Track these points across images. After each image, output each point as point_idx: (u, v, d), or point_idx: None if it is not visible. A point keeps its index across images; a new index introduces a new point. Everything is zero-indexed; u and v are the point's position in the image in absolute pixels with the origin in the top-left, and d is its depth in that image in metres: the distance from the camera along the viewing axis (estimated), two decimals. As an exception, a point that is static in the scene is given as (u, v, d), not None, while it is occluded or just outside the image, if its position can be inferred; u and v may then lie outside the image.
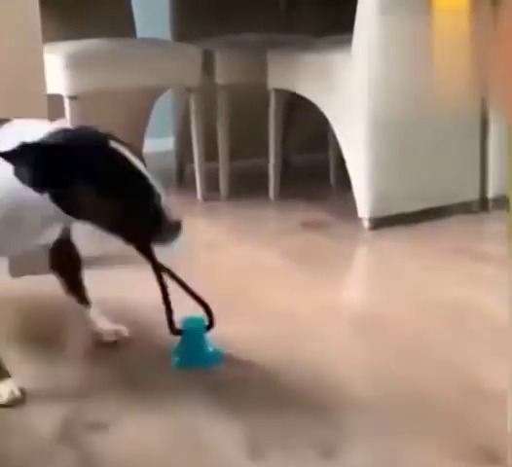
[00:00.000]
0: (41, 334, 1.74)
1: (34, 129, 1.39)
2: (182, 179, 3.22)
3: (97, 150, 1.36)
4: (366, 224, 2.47)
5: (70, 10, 2.87)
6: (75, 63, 2.53)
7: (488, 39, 2.39)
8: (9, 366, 1.46)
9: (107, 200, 1.33)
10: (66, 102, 2.55)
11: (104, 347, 1.64)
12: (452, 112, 2.46)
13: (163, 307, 1.51)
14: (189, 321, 1.58)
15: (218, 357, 1.57)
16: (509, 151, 2.09)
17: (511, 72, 1.69)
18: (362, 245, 2.41)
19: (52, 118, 2.01)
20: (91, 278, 1.69)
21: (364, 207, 2.46)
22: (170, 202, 1.38)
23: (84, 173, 1.33)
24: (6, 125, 1.46)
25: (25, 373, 1.52)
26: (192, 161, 2.90)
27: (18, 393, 1.42)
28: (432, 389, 1.44)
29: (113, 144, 1.37)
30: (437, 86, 2.43)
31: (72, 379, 1.53)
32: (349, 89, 2.41)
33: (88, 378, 1.53)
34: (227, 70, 2.82)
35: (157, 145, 3.39)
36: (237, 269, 2.15)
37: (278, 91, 2.76)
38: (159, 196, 1.37)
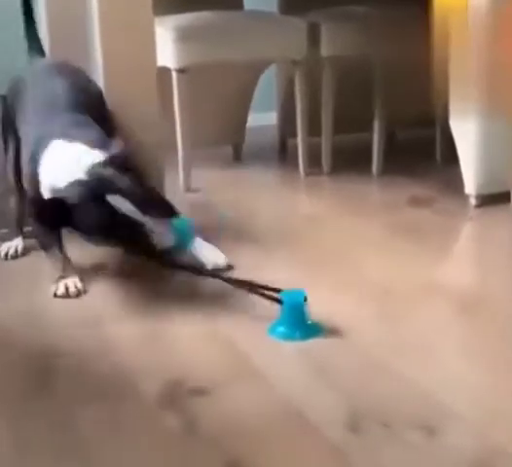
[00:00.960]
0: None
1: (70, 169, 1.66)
2: (284, 154, 3.23)
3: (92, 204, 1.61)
4: (473, 201, 2.41)
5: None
6: (183, 36, 2.56)
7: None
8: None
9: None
10: (174, 75, 2.58)
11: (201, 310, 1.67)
12: None
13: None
14: (288, 294, 1.59)
15: (317, 330, 1.58)
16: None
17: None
18: (468, 222, 2.35)
19: (160, 91, 2.06)
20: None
21: (471, 184, 2.40)
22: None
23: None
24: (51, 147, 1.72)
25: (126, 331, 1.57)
26: (294, 136, 2.90)
27: (80, 286, 1.75)
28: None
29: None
30: None
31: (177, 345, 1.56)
32: (462, 66, 2.34)
33: (190, 349, 1.56)
34: (333, 42, 2.78)
35: (260, 119, 3.41)
36: (340, 241, 2.14)
37: (384, 64, 2.71)
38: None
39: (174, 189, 2.61)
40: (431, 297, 1.75)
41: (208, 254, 1.88)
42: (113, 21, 1.99)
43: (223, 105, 3.03)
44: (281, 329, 1.58)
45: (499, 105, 2.34)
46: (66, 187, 1.63)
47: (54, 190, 1.65)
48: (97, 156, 1.66)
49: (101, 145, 1.69)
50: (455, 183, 2.45)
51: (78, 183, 1.62)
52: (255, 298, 1.68)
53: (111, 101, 2.02)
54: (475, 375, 1.41)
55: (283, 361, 1.49)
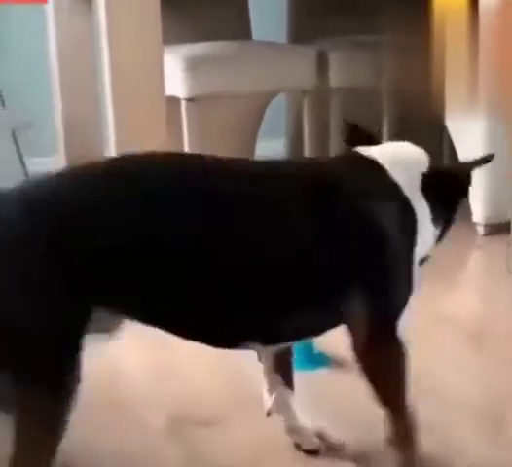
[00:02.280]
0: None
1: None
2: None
3: None
4: (480, 229, 2.40)
5: (187, 11, 2.92)
6: (194, 66, 2.58)
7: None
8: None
9: None
10: (183, 105, 2.60)
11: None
12: None
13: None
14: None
15: (324, 361, 1.57)
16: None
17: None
18: (476, 251, 2.35)
19: (169, 121, 2.07)
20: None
21: (479, 212, 2.39)
22: None
23: None
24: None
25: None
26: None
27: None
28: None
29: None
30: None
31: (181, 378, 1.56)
32: (468, 90, 2.35)
33: (196, 379, 1.56)
34: (342, 72, 2.80)
35: (269, 147, 3.40)
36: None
37: (393, 93, 2.73)
38: None
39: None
40: (439, 326, 1.74)
41: None
42: (122, 50, 2.00)
43: (231, 134, 3.04)
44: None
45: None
46: None
47: None
48: None
49: None
50: (462, 210, 2.44)
51: None
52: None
53: (119, 131, 2.04)
54: (485, 407, 1.40)
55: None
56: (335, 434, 1.31)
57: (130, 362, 1.62)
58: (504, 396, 1.43)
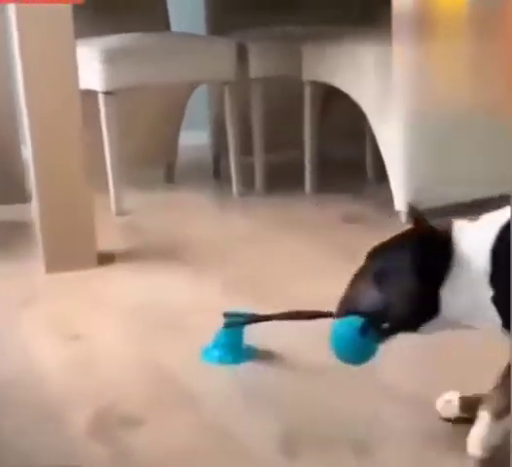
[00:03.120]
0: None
1: None
2: (218, 173, 3.22)
3: None
4: (403, 217, 2.43)
5: (104, 4, 2.87)
6: (111, 58, 2.53)
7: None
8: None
9: None
10: (101, 98, 2.55)
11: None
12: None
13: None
14: (231, 314, 1.56)
15: (252, 353, 1.56)
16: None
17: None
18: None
19: (85, 114, 2.03)
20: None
21: (401, 200, 2.42)
22: None
23: None
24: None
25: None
26: (228, 155, 2.89)
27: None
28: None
29: None
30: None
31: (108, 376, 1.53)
32: (385, 83, 2.37)
33: (120, 375, 1.53)
34: (261, 63, 2.80)
35: (193, 138, 3.39)
36: (276, 262, 2.14)
37: (313, 84, 2.74)
38: None
39: (105, 212, 2.59)
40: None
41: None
42: (33, 44, 1.95)
43: (153, 125, 3.01)
44: (216, 353, 1.56)
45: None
46: None
47: None
48: None
49: None
50: (386, 199, 2.47)
51: None
52: (189, 321, 1.65)
53: (34, 126, 1.98)
54: (410, 385, 1.41)
55: (217, 385, 1.46)
56: (266, 426, 1.30)
57: (44, 358, 1.58)
58: (426, 377, 1.44)
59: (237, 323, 1.54)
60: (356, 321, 1.20)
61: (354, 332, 1.19)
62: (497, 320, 1.11)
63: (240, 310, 1.56)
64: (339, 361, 1.21)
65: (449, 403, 1.30)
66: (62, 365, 1.55)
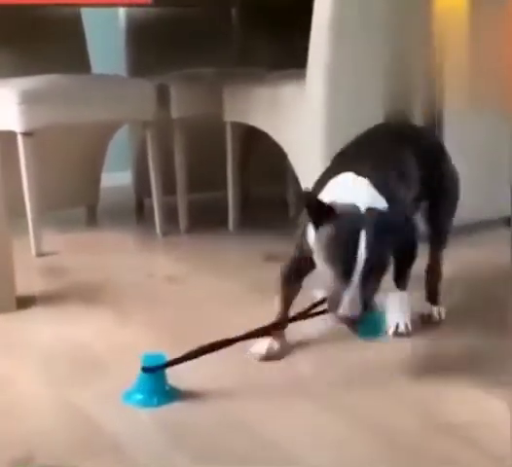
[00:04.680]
0: None
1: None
2: (141, 213, 3.21)
3: None
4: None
5: (22, 45, 2.86)
6: (29, 99, 2.51)
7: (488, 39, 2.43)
8: None
9: None
10: (20, 139, 2.52)
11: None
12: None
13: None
14: (148, 358, 1.54)
15: (175, 394, 1.54)
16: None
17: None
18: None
19: (3, 155, 2.00)
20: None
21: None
22: (355, 300, 1.45)
23: None
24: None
25: None
26: (151, 195, 2.89)
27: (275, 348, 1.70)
28: (392, 422, 1.42)
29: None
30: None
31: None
32: (303, 123, 2.41)
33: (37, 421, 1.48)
34: (182, 104, 2.82)
35: (115, 179, 3.38)
36: (200, 302, 2.13)
37: (234, 124, 2.77)
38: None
39: (25, 254, 2.54)
40: (292, 352, 1.75)
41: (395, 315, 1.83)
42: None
43: (73, 166, 2.99)
44: (138, 396, 1.53)
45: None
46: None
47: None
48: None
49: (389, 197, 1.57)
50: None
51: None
52: (110, 364, 1.62)
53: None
54: (334, 429, 1.41)
55: (140, 429, 1.44)
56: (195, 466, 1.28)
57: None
58: (350, 422, 1.45)
59: (154, 367, 1.52)
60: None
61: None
62: None
63: (158, 354, 1.55)
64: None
65: None
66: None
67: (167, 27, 3.22)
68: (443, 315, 1.91)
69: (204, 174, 3.01)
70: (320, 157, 2.39)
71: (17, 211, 2.47)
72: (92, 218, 3.13)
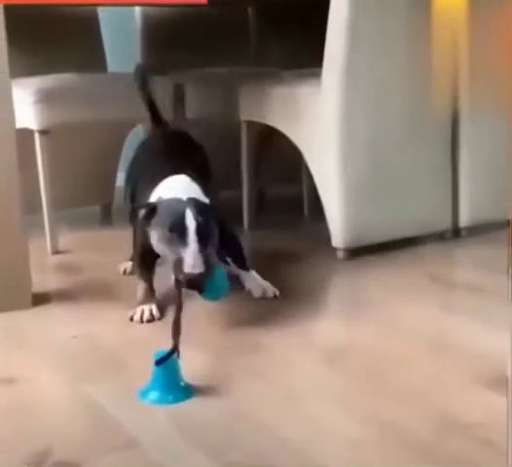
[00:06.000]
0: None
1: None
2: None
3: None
4: (340, 254, 2.46)
5: (39, 44, 2.88)
6: (46, 97, 2.52)
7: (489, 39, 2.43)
8: None
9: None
10: (36, 136, 2.54)
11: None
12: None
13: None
14: (160, 355, 1.55)
15: (189, 391, 1.55)
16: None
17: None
18: (336, 275, 2.40)
19: (21, 152, 2.01)
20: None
21: (338, 238, 2.46)
22: (196, 256, 1.68)
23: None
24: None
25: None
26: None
27: (156, 314, 1.94)
28: (407, 423, 1.42)
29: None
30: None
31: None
32: (319, 122, 2.42)
33: (55, 418, 1.49)
34: (198, 103, 2.83)
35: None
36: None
37: (250, 123, 2.78)
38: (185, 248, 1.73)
39: (41, 251, 2.55)
40: (303, 350, 1.76)
41: (257, 284, 2.11)
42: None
43: (89, 165, 3.00)
44: (153, 393, 1.54)
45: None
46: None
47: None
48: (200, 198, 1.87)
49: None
50: (323, 237, 2.51)
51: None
52: (125, 361, 1.63)
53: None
54: (345, 424, 1.41)
55: (156, 426, 1.44)
56: (200, 462, 1.29)
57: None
58: (362, 418, 1.45)
59: (165, 358, 1.53)
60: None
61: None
62: None
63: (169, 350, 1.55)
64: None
65: None
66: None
67: (183, 27, 3.23)
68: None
69: (219, 173, 3.00)
70: (336, 157, 2.39)
71: (32, 209, 2.48)
72: (107, 217, 3.14)
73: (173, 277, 1.74)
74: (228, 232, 2.01)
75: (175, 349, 1.55)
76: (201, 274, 1.66)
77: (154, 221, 1.81)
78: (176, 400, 1.52)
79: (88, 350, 1.79)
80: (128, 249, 2.33)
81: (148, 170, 2.08)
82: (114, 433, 1.40)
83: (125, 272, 2.34)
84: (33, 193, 2.55)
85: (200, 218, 1.75)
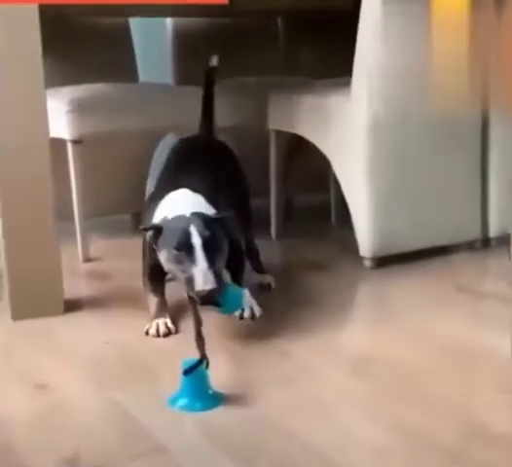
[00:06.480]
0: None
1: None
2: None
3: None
4: (367, 263, 2.47)
5: (72, 54, 2.92)
6: (78, 107, 2.56)
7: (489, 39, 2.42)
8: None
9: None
10: (69, 146, 2.58)
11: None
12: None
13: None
14: (188, 363, 1.57)
15: (218, 399, 1.56)
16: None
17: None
18: (363, 284, 2.40)
19: (55, 162, 2.05)
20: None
21: (365, 247, 2.46)
22: (206, 273, 1.68)
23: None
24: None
25: None
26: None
27: (171, 327, 1.93)
28: (434, 431, 1.42)
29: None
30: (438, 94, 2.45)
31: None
32: (348, 131, 2.43)
33: (86, 425, 1.52)
34: (227, 112, 2.85)
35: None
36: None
37: (279, 132, 2.80)
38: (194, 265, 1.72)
39: (72, 259, 2.59)
40: (329, 359, 1.77)
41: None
42: (3, 94, 1.97)
43: (121, 174, 3.03)
44: (182, 400, 1.56)
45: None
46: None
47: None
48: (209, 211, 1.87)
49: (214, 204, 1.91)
50: (350, 245, 2.51)
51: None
52: (155, 368, 1.65)
53: (2, 174, 2.00)
54: (372, 433, 1.42)
55: (185, 433, 1.46)
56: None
57: (10, 408, 1.56)
58: (388, 426, 1.46)
59: (193, 367, 1.55)
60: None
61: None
62: None
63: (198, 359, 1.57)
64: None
65: None
66: (27, 415, 1.53)
67: (214, 36, 3.26)
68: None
69: (248, 182, 3.02)
70: (364, 165, 2.40)
71: (65, 217, 2.52)
72: (138, 225, 3.16)
73: (187, 294, 1.75)
74: (234, 246, 1.90)
75: (204, 358, 1.57)
76: (213, 290, 1.66)
77: (160, 242, 1.80)
78: (204, 407, 1.54)
79: (117, 357, 1.81)
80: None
81: (159, 183, 2.12)
82: (142, 439, 1.43)
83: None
84: (66, 201, 2.59)
85: (205, 232, 1.74)
